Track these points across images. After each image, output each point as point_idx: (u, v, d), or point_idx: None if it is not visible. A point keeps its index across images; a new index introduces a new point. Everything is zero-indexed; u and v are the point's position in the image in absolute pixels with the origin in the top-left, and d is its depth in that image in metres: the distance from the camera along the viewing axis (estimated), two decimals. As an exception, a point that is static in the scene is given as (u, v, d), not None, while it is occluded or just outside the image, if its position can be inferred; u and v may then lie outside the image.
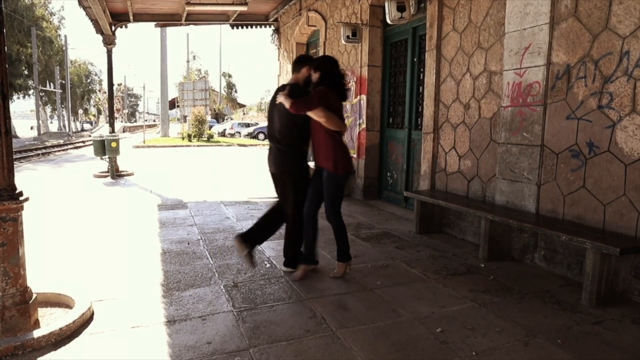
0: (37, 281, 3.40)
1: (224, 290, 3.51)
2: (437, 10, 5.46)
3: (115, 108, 11.91)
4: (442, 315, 3.11)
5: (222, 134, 32.74)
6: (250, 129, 31.86)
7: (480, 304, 3.31)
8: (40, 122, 35.97)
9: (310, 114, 3.51)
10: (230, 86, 55.99)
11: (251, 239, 3.81)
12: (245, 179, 10.35)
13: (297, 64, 3.84)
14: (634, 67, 3.33)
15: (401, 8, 5.68)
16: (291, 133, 3.70)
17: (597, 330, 2.90)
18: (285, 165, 3.78)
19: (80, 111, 59.16)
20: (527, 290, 3.59)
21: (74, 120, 51.76)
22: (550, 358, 2.56)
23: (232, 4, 8.93)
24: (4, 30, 2.70)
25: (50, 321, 2.97)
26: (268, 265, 4.14)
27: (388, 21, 5.93)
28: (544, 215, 4.10)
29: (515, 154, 4.36)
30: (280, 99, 3.52)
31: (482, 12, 4.84)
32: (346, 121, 8.04)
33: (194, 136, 25.56)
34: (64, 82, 39.62)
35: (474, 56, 4.98)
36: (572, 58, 3.81)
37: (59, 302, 3.24)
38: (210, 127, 29.86)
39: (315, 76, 3.72)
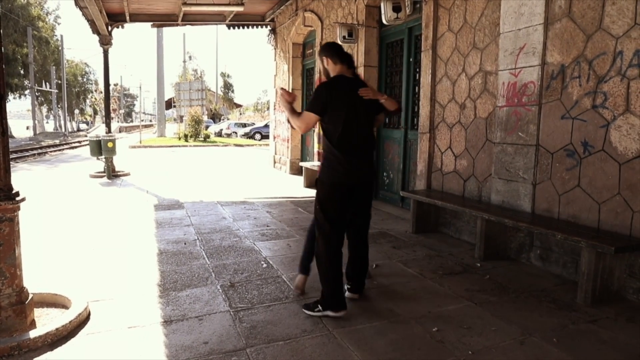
0: (34, 281, 3.39)
1: (220, 291, 3.51)
2: (433, 11, 5.48)
3: (111, 108, 11.89)
4: (439, 314, 3.12)
5: (219, 134, 32.70)
6: (247, 129, 31.84)
7: (476, 303, 3.32)
8: (36, 122, 35.88)
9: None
10: (227, 86, 55.93)
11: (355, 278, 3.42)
12: (242, 179, 10.34)
13: (349, 56, 3.29)
14: (627, 67, 3.35)
15: (397, 8, 5.69)
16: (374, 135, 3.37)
17: (593, 329, 2.92)
18: (374, 172, 3.39)
19: (76, 111, 59.01)
20: (522, 289, 3.60)
21: (70, 120, 51.60)
22: (545, 357, 2.57)
23: (229, 4, 8.93)
24: (0, 30, 2.70)
25: (46, 321, 2.96)
26: (265, 265, 4.14)
27: (384, 21, 5.94)
28: (539, 214, 4.12)
29: (510, 154, 4.38)
30: (374, 96, 3.15)
31: (477, 12, 4.86)
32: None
33: (191, 136, 25.53)
34: (60, 81, 39.50)
35: (469, 56, 5.00)
36: (567, 58, 3.83)
37: (56, 302, 3.23)
38: (207, 127, 29.81)
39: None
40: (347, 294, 3.35)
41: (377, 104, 3.20)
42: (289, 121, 3.44)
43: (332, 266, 3.08)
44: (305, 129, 3.19)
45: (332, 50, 3.26)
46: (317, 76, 9.13)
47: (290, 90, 3.28)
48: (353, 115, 3.10)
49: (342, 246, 3.15)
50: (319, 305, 3.06)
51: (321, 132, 3.25)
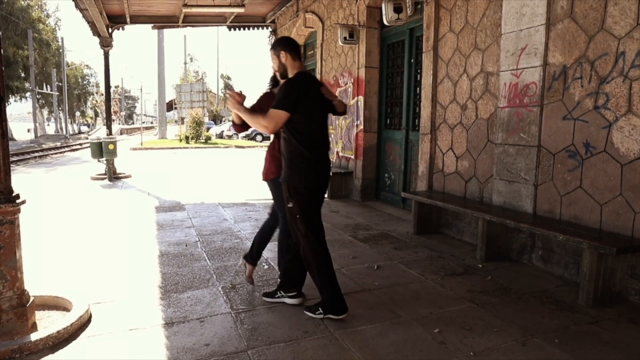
0: (35, 284, 3.39)
1: (222, 292, 3.51)
2: (434, 12, 5.47)
3: (112, 110, 11.91)
4: (440, 315, 3.11)
5: (220, 136, 32.69)
6: (248, 131, 31.78)
7: (478, 304, 3.31)
8: (37, 124, 35.88)
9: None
10: (228, 88, 56.00)
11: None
12: (243, 180, 10.34)
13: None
14: (629, 67, 3.34)
15: (398, 9, 5.69)
16: None
17: (594, 330, 2.91)
18: None
19: (78, 113, 59.06)
20: (524, 290, 3.59)
21: (71, 123, 51.66)
22: (547, 358, 2.56)
23: (229, 6, 8.93)
24: (0, 33, 2.70)
25: (47, 324, 2.96)
26: (266, 267, 4.14)
27: (385, 22, 5.95)
28: (541, 215, 4.11)
29: (512, 155, 4.37)
30: (330, 97, 3.16)
31: (478, 13, 4.85)
32: (343, 122, 8.11)
33: (192, 138, 25.56)
34: (60, 84, 39.53)
35: (470, 57, 4.99)
36: (569, 59, 3.82)
37: (57, 305, 3.23)
38: (208, 128, 29.82)
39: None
40: (295, 300, 3.26)
41: (330, 104, 3.18)
42: (235, 125, 3.32)
43: (326, 273, 3.03)
44: (273, 129, 2.95)
45: (292, 45, 3.13)
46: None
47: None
48: (321, 114, 3.10)
49: (327, 248, 3.09)
50: (320, 309, 3.05)
51: (282, 133, 3.05)
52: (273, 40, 3.18)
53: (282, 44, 3.13)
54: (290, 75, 3.11)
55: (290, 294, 3.27)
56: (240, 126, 3.31)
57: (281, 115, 2.90)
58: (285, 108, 2.89)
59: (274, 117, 2.90)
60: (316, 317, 3.05)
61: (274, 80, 3.44)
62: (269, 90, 3.48)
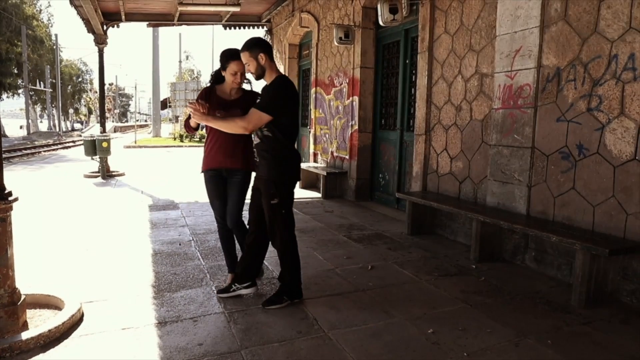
0: (26, 282, 3.37)
1: (215, 292, 3.49)
2: (429, 13, 5.49)
3: (106, 108, 11.85)
4: (434, 316, 3.12)
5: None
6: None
7: (471, 304, 3.32)
8: (30, 121, 35.65)
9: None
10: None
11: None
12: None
13: None
14: (622, 70, 3.36)
15: (393, 10, 5.70)
16: None
17: (587, 331, 2.93)
18: None
19: (71, 110, 58.67)
20: (517, 291, 3.61)
21: (64, 120, 51.30)
22: (540, 358, 2.57)
23: (225, 5, 8.91)
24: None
25: (39, 323, 2.93)
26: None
27: (380, 23, 5.95)
28: (534, 216, 4.13)
29: (506, 156, 4.39)
30: None
31: (473, 14, 4.87)
32: (338, 122, 8.12)
33: (186, 137, 25.49)
34: (54, 81, 39.26)
35: (465, 58, 5.01)
36: (562, 61, 3.84)
37: (48, 303, 3.20)
38: (203, 127, 29.74)
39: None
40: (251, 290, 3.39)
41: None
42: (190, 128, 3.57)
43: (297, 261, 3.29)
44: (252, 129, 3.08)
45: (269, 46, 3.14)
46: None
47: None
48: (297, 115, 3.32)
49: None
50: (284, 297, 3.23)
51: (265, 132, 3.08)
52: (247, 41, 3.14)
53: (260, 45, 3.09)
54: (267, 77, 3.14)
55: (245, 285, 3.37)
56: (195, 129, 3.51)
57: (264, 118, 3.01)
58: (270, 112, 3.01)
59: (257, 119, 3.02)
60: (283, 305, 3.20)
61: (216, 77, 3.49)
62: (208, 86, 3.54)
